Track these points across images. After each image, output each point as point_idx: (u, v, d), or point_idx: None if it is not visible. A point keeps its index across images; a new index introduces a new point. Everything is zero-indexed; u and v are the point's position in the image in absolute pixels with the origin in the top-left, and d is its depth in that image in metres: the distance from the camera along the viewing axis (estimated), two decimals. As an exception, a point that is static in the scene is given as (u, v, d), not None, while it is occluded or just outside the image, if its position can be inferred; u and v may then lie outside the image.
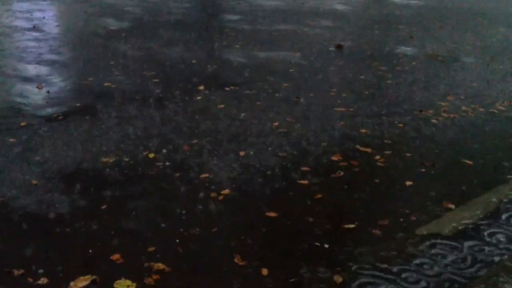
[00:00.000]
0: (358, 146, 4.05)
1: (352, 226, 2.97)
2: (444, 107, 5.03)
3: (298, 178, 3.50)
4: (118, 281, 2.43)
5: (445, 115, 4.82)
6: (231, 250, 2.71)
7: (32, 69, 5.76)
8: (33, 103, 4.72)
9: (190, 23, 8.83)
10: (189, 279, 2.50)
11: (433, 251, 2.75)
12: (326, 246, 2.76)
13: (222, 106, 4.79)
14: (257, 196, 3.26)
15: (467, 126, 4.62)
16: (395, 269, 2.59)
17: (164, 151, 3.81)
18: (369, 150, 3.98)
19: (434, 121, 4.66)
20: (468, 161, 3.88)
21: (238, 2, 10.93)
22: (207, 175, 3.48)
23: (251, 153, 3.84)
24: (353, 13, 10.53)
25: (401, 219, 3.06)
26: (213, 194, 3.24)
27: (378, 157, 3.86)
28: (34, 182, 3.30)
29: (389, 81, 5.82)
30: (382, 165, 3.75)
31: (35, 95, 4.93)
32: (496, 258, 2.73)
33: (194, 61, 6.40)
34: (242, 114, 4.60)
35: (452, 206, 3.22)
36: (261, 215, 3.04)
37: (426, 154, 3.98)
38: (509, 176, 3.68)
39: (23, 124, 4.22)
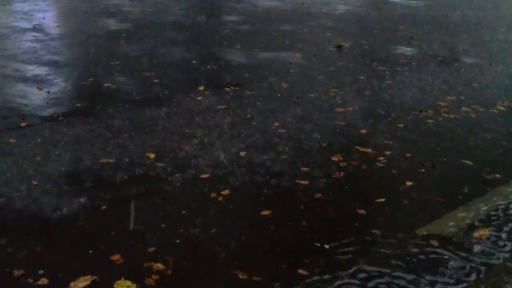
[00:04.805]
0: (358, 146, 4.04)
1: (352, 226, 2.98)
2: (444, 107, 5.03)
3: (298, 178, 3.50)
4: (118, 282, 2.43)
5: (445, 115, 4.82)
6: (230, 250, 2.71)
7: (32, 70, 5.76)
8: (33, 104, 4.72)
9: (190, 23, 8.83)
10: (189, 279, 2.50)
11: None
12: (326, 246, 2.77)
13: (222, 106, 4.79)
14: (257, 196, 3.26)
15: (467, 126, 4.62)
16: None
17: (164, 151, 3.82)
18: (369, 150, 3.98)
19: (434, 121, 4.66)
20: (468, 161, 3.88)
21: (238, 2, 10.93)
22: (207, 175, 3.48)
23: (252, 153, 3.84)
24: (353, 13, 10.52)
25: (401, 219, 3.06)
26: (213, 195, 3.24)
27: (378, 157, 3.86)
28: (34, 182, 3.30)
29: (389, 81, 5.82)
30: (382, 165, 3.75)
31: (35, 96, 4.93)
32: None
33: (194, 61, 6.40)
34: (242, 115, 4.60)
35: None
36: (261, 215, 3.04)
37: (426, 154, 3.98)
38: (509, 177, 3.68)
39: (23, 124, 4.22)
